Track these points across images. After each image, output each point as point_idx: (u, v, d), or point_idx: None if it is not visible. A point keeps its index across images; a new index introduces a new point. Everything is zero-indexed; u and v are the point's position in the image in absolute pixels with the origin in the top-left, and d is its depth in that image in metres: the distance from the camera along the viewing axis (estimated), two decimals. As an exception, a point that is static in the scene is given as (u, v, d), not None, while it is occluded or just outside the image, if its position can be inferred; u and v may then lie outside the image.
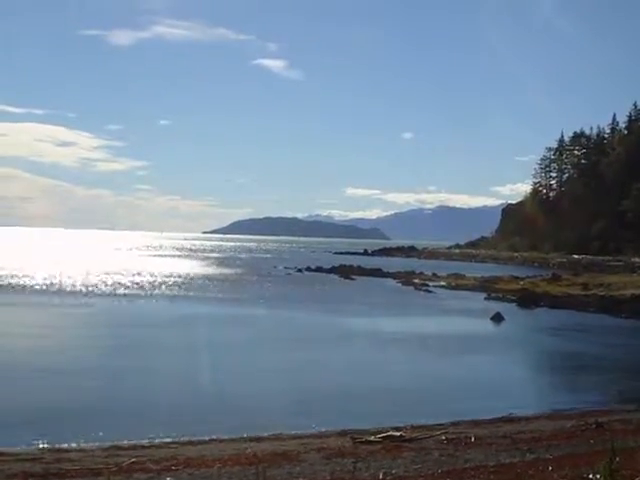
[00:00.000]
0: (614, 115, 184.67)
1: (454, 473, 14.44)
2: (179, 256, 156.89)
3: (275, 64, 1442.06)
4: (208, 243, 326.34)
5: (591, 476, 11.02)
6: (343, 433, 18.90)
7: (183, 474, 14.23)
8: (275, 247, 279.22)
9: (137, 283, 71.54)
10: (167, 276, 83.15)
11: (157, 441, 18.02)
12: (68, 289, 63.18)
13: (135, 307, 52.45)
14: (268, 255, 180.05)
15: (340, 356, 34.31)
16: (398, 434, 18.28)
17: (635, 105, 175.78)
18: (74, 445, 17.36)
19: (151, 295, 61.01)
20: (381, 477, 14.20)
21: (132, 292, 62.78)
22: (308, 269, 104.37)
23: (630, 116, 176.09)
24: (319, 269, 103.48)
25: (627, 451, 14.95)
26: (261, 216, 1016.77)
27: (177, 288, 68.99)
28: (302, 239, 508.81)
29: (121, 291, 63.11)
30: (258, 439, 18.42)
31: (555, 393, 28.43)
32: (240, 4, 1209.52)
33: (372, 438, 17.91)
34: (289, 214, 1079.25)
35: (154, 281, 75.06)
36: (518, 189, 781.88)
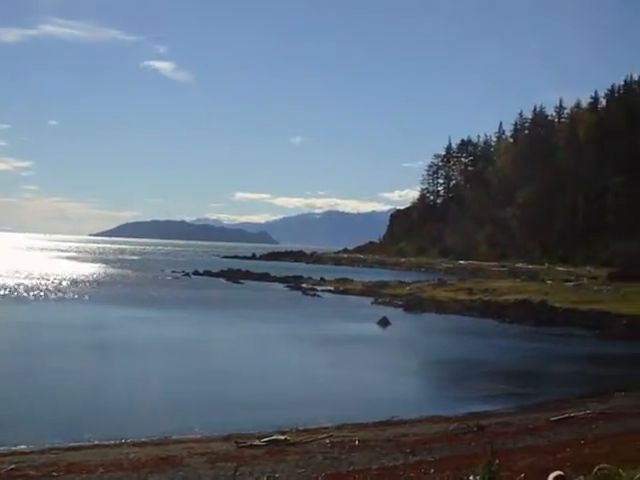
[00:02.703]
0: (500, 124, 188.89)
1: (338, 476, 14.51)
2: (61, 258, 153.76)
3: (164, 66, 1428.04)
4: (94, 246, 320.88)
5: (471, 478, 11.13)
6: (228, 437, 18.80)
7: (64, 480, 13.97)
8: (163, 251, 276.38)
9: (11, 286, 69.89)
10: (43, 278, 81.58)
11: (38, 447, 17.55)
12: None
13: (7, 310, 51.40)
14: (156, 258, 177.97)
15: (224, 361, 34.12)
16: (283, 438, 18.26)
17: (521, 114, 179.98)
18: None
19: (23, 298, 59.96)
20: (264, 481, 14.15)
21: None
22: (196, 273, 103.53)
23: (516, 125, 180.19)
24: (207, 273, 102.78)
25: (507, 452, 15.27)
26: (149, 219, 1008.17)
27: (54, 291, 67.78)
28: (190, 243, 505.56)
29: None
30: (142, 444, 18.18)
31: (438, 396, 28.77)
32: (130, 5, 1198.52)
33: (257, 442, 17.86)
34: (177, 217, 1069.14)
35: (26, 284, 73.38)
36: (406, 195, 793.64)
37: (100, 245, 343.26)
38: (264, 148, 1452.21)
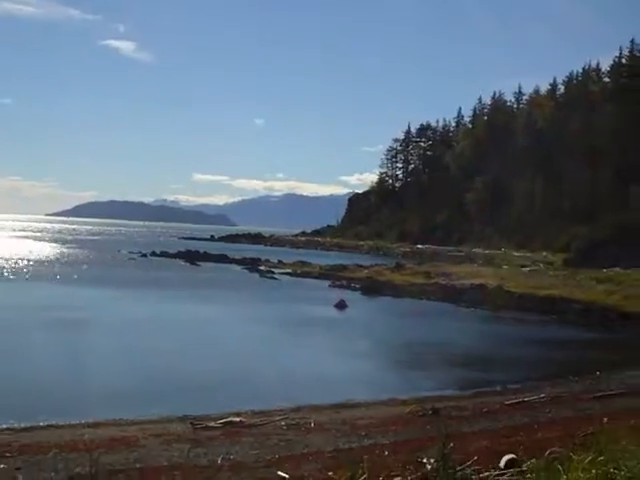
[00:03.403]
0: (459, 109, 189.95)
1: (292, 458, 14.53)
2: (16, 238, 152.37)
3: (124, 45, 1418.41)
4: (50, 226, 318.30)
5: (425, 460, 11.21)
6: (184, 419, 18.71)
7: (17, 461, 13.86)
8: (120, 231, 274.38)
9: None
10: None
11: (-10, 428, 17.39)
12: None
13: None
14: (113, 239, 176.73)
15: (179, 342, 33.93)
16: (238, 420, 18.25)
17: (480, 100, 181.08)
18: None
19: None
20: (219, 462, 14.16)
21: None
22: (153, 254, 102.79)
23: (475, 110, 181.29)
24: (164, 254, 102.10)
25: (461, 436, 15.39)
26: (106, 199, 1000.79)
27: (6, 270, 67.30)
28: (148, 223, 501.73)
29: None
30: (97, 425, 18.04)
31: (394, 379, 28.88)
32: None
33: (212, 424, 17.83)
34: (135, 198, 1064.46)
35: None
36: (365, 179, 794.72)
37: (57, 225, 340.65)
38: (225, 130, 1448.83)
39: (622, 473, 6.60)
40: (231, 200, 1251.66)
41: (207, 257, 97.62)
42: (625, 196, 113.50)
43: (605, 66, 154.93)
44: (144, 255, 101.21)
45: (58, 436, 16.38)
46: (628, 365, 30.14)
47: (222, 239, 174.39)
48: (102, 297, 50.19)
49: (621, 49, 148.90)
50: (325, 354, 33.25)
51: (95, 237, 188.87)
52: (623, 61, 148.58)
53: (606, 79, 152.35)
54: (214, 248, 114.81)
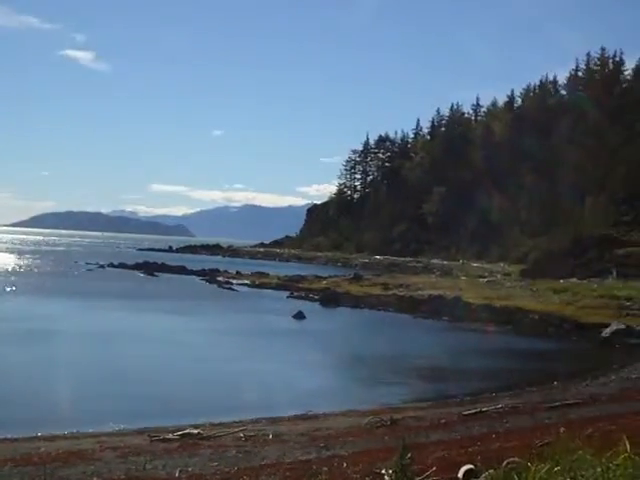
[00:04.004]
0: (418, 120, 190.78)
1: (250, 470, 14.50)
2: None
3: (83, 55, 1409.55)
4: (7, 236, 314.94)
5: (384, 471, 11.22)
6: (141, 431, 18.64)
7: (-28, 474, 13.72)
8: (78, 242, 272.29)
9: None
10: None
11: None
12: None
13: None
14: (70, 250, 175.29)
15: (138, 354, 33.73)
16: (196, 432, 18.18)
17: (438, 111, 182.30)
18: None
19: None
20: (177, 475, 14.10)
21: None
22: (111, 265, 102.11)
23: (433, 122, 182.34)
24: (122, 265, 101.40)
25: (419, 446, 15.41)
26: (64, 210, 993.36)
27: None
28: (106, 234, 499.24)
29: None
30: (53, 438, 17.94)
31: (353, 391, 28.91)
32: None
33: (170, 436, 17.76)
34: (93, 209, 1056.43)
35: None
36: (324, 190, 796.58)
37: (13, 236, 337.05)
38: (183, 141, 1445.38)
39: (579, 483, 6.66)
40: (189, 211, 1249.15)
41: (165, 268, 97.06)
42: (582, 208, 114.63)
43: (562, 79, 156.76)
44: (102, 266, 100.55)
45: (13, 449, 16.23)
46: (584, 375, 30.39)
47: (180, 250, 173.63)
48: (59, 309, 49.69)
49: (577, 62, 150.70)
50: (284, 365, 33.14)
51: (52, 248, 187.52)
52: (579, 74, 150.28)
53: (563, 92, 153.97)
54: (172, 259, 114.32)
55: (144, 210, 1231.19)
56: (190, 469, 14.61)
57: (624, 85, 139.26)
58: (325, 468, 13.67)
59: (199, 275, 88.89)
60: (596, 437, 12.75)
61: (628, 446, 7.56)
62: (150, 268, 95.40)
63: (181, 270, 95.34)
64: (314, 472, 10.00)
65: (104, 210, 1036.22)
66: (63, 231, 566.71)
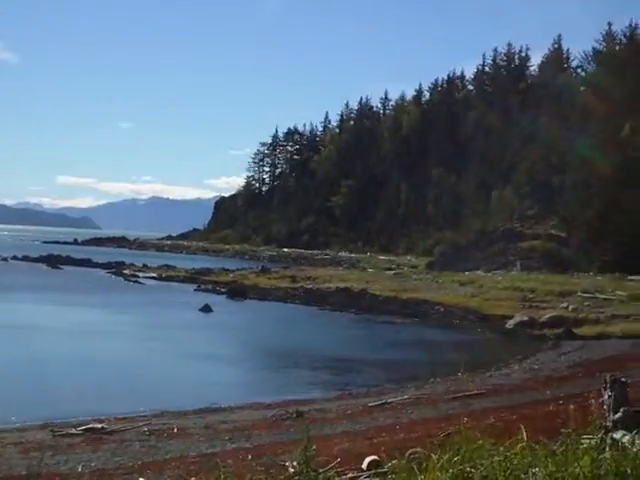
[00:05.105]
0: (326, 113, 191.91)
1: (154, 464, 14.42)
2: None
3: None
4: None
5: (288, 463, 11.22)
6: (44, 426, 18.32)
7: None
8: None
9: None
10: None
11: None
12: None
13: None
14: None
15: (40, 348, 32.99)
16: (100, 426, 17.99)
17: (347, 104, 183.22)
18: None
19: None
20: (80, 470, 13.93)
21: None
22: (14, 258, 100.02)
23: (342, 115, 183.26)
24: (26, 258, 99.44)
25: (324, 438, 15.47)
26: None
27: None
28: (10, 227, 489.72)
29: None
30: (-50, 435, 17.50)
31: (258, 383, 28.92)
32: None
33: (73, 431, 17.52)
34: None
35: None
36: (233, 182, 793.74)
37: None
38: (91, 132, 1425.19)
39: (478, 472, 6.72)
40: (96, 203, 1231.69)
41: (70, 261, 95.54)
42: (487, 202, 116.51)
43: (469, 74, 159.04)
44: (4, 259, 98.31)
45: None
46: (488, 366, 30.86)
47: (86, 243, 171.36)
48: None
49: (484, 57, 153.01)
50: (189, 358, 32.91)
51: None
52: (486, 69, 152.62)
53: (470, 87, 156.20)
54: (78, 252, 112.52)
55: (49, 202, 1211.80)
56: (93, 464, 14.46)
57: (529, 81, 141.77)
58: (230, 461, 13.63)
59: (105, 268, 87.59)
60: (497, 427, 12.94)
61: (525, 435, 7.68)
62: (54, 261, 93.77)
63: (86, 263, 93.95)
64: (218, 465, 9.93)
65: (8, 202, 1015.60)
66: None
